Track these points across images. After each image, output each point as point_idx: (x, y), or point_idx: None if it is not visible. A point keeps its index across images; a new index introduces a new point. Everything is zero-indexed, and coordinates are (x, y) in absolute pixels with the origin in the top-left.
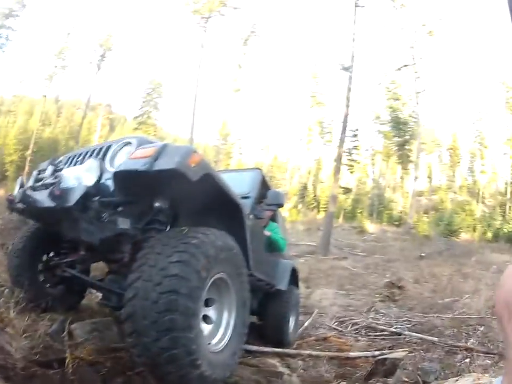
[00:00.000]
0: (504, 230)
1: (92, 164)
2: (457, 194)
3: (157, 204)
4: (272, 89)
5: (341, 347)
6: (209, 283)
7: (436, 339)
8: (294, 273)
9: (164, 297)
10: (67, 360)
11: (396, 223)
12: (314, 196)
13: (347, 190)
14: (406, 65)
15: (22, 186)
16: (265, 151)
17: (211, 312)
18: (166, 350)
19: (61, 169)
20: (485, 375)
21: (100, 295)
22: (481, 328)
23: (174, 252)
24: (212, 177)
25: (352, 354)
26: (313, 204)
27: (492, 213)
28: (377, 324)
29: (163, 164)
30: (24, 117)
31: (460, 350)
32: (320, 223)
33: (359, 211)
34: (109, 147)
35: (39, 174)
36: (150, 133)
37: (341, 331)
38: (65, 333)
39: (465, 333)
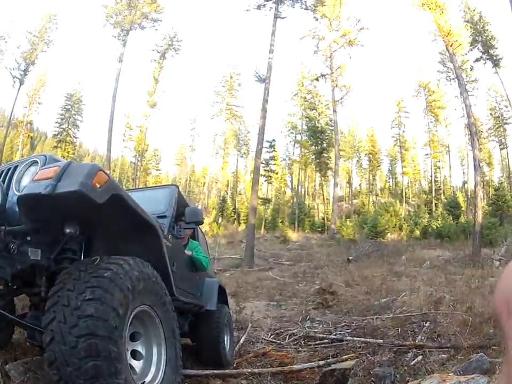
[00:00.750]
0: (433, 226)
1: None
2: (379, 196)
3: (67, 230)
4: (189, 102)
5: (283, 360)
6: (130, 319)
7: (380, 341)
8: (221, 291)
9: (82, 342)
10: None
11: (319, 229)
12: (234, 208)
13: (266, 201)
14: (323, 75)
15: None
16: (182, 166)
17: (139, 346)
18: None
19: None
20: (449, 373)
21: None
22: (427, 324)
23: (86, 287)
24: (120, 198)
25: (296, 367)
26: (233, 216)
27: (417, 211)
28: (315, 332)
29: (66, 186)
30: None
31: (409, 349)
32: (242, 235)
33: (280, 220)
34: (16, 167)
35: None
36: (69, 151)
37: (279, 343)
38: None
39: (411, 331)
